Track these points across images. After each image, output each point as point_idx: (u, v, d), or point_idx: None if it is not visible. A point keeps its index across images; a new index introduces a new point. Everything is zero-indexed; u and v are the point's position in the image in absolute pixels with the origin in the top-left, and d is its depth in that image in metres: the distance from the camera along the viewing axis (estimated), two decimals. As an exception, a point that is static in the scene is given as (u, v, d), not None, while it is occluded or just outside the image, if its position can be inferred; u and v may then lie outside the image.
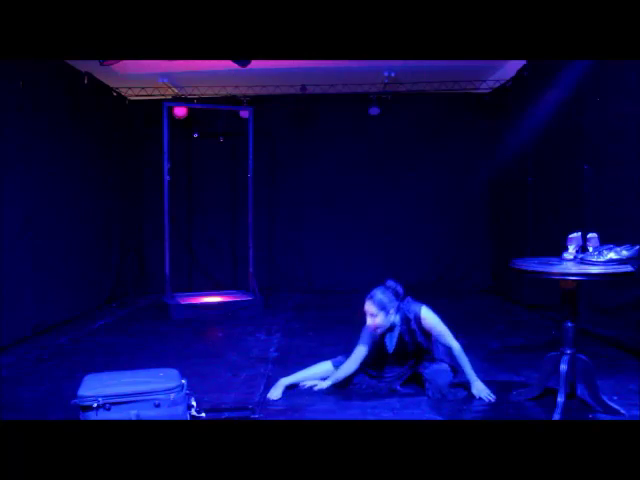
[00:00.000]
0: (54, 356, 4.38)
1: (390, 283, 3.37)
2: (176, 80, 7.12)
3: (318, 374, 3.45)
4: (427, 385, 3.30)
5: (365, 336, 3.34)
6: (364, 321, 3.34)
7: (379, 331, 3.28)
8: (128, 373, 2.78)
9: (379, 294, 3.28)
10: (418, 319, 3.27)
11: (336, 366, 3.42)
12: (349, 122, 7.51)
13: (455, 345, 3.29)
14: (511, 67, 6.42)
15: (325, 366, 3.47)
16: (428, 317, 3.27)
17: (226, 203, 7.55)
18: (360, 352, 3.32)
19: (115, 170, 7.03)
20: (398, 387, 3.37)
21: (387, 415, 3.03)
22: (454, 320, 5.61)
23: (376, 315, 3.23)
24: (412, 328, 3.29)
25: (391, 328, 3.31)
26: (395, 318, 3.29)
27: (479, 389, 3.24)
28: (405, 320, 3.30)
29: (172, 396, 2.60)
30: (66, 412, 2.75)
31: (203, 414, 2.83)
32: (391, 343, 3.35)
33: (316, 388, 3.36)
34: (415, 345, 3.34)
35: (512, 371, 3.82)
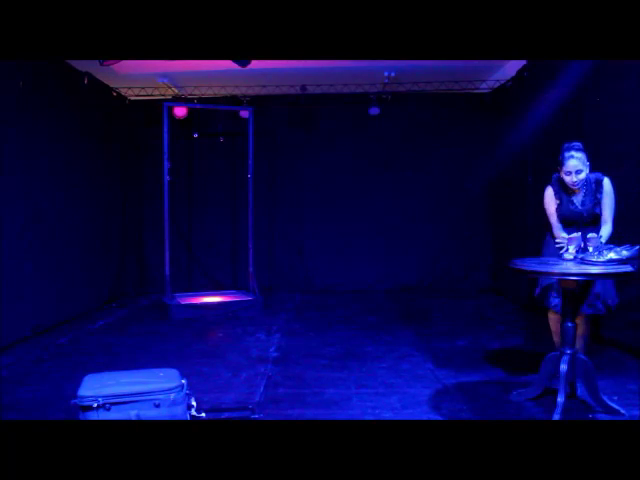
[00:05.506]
0: (54, 356, 4.38)
1: (578, 142, 3.38)
2: (176, 80, 7.12)
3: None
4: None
5: (550, 202, 3.47)
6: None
7: (577, 187, 3.34)
8: (128, 373, 2.78)
9: (580, 152, 3.30)
10: (600, 183, 3.33)
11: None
12: (349, 122, 7.52)
13: (609, 227, 3.31)
14: (511, 67, 6.42)
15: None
16: (608, 185, 3.32)
17: (226, 203, 7.55)
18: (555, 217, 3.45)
19: (115, 170, 7.04)
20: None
21: (387, 415, 3.04)
22: (454, 320, 5.68)
23: (581, 171, 3.28)
24: (592, 189, 3.35)
25: (578, 189, 3.38)
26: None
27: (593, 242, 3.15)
28: (586, 182, 3.35)
29: (172, 396, 2.60)
30: (66, 412, 2.76)
31: (203, 414, 2.83)
32: (581, 203, 3.40)
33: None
34: (591, 210, 3.37)
35: (512, 371, 3.82)
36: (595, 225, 3.37)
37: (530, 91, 5.90)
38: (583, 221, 3.38)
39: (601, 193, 3.32)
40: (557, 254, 3.32)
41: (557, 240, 3.31)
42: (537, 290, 3.54)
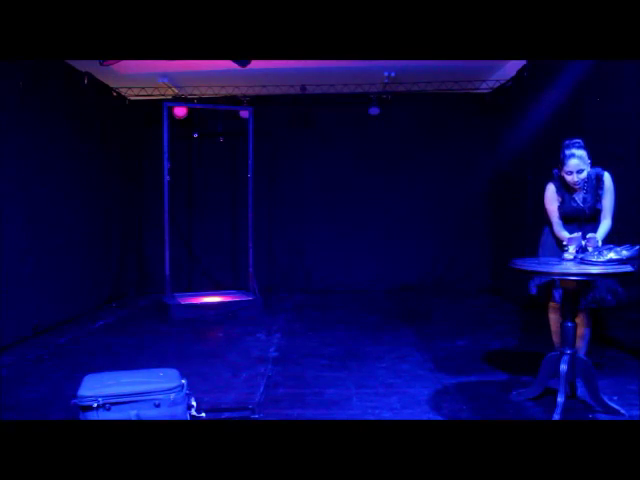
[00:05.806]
0: (54, 356, 4.38)
1: (579, 140, 3.32)
2: (176, 80, 7.12)
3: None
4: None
5: (552, 200, 3.41)
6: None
7: (578, 186, 3.29)
8: (128, 373, 2.78)
9: (581, 150, 3.25)
10: (600, 178, 3.29)
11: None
12: (349, 122, 7.52)
13: (609, 222, 3.28)
14: (511, 67, 6.42)
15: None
16: (609, 180, 3.28)
17: (226, 203, 7.55)
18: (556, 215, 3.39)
19: (115, 170, 7.04)
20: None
21: (387, 415, 3.04)
22: (454, 320, 5.68)
23: (582, 170, 3.24)
24: (592, 185, 3.30)
25: (580, 188, 3.33)
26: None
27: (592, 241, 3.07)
28: (587, 178, 3.30)
29: (172, 396, 2.60)
30: (66, 412, 2.76)
31: (203, 414, 2.83)
32: (583, 200, 3.34)
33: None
34: (593, 206, 3.32)
35: (512, 371, 3.82)
36: (596, 221, 3.34)
37: (530, 91, 5.90)
38: (585, 218, 3.35)
39: (602, 189, 3.28)
40: (556, 251, 3.30)
41: (564, 243, 3.27)
42: (533, 289, 3.50)
